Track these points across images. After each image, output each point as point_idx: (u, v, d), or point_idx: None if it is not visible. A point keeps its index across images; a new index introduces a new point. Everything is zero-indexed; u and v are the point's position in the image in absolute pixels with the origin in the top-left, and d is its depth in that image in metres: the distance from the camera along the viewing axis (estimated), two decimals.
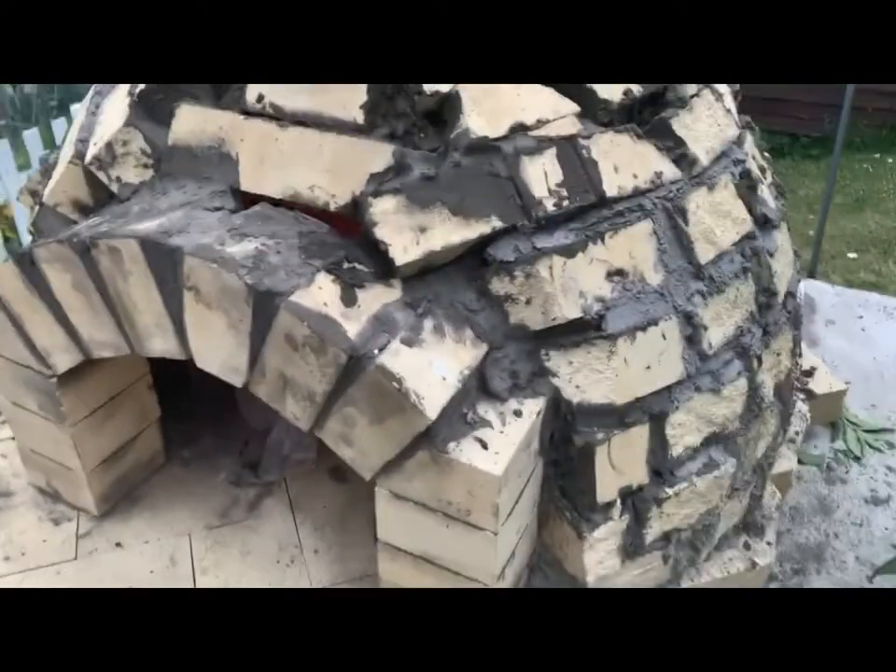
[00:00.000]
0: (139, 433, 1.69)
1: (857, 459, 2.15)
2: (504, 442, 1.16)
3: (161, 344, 1.28)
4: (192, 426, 1.89)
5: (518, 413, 1.21)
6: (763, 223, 1.53)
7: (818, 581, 1.79)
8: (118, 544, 1.61)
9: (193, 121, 1.35)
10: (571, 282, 1.26)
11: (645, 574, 1.48)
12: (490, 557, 1.20)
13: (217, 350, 1.22)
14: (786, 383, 1.64)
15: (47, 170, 1.64)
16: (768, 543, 1.66)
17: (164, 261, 1.18)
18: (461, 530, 1.20)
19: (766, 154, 1.81)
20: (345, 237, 1.26)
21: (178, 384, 1.87)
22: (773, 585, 1.78)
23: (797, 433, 1.96)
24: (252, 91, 1.34)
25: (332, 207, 1.25)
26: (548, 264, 1.24)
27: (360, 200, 1.22)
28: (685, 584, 1.55)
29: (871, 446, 2.19)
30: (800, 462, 2.11)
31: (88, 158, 1.42)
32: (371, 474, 1.22)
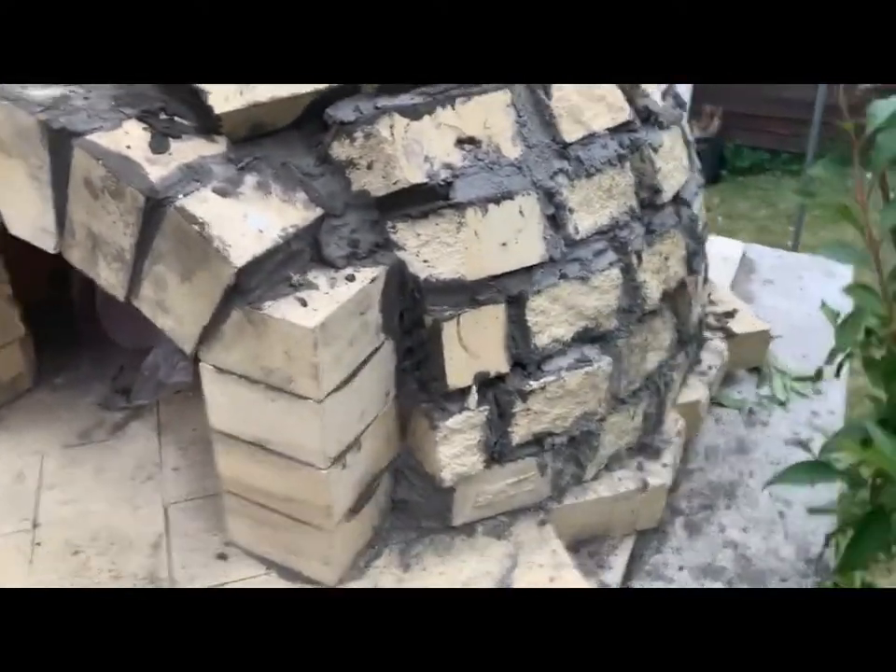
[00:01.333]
0: None
1: (781, 404, 2.05)
2: (326, 301, 1.06)
3: None
4: (72, 353, 1.79)
5: (350, 279, 1.12)
6: (646, 118, 1.46)
7: (725, 516, 1.68)
8: None
9: None
10: (415, 145, 1.17)
11: (519, 483, 1.38)
12: (316, 431, 1.09)
13: (25, 208, 1.13)
14: (679, 293, 1.55)
15: None
16: (664, 465, 1.55)
17: None
18: (286, 404, 1.10)
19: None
20: (173, 96, 1.18)
21: (59, 309, 1.78)
22: (679, 520, 1.67)
23: (710, 367, 1.87)
24: None
25: None
26: (389, 123, 1.16)
27: None
28: (569, 501, 1.44)
29: (798, 392, 2.10)
30: (720, 405, 2.01)
31: None
32: (192, 344, 1.12)
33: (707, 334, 1.97)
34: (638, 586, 1.51)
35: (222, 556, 1.33)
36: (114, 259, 1.10)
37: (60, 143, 1.04)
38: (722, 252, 2.67)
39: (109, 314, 1.68)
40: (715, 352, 1.92)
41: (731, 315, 2.08)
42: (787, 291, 2.60)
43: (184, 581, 1.28)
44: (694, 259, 1.61)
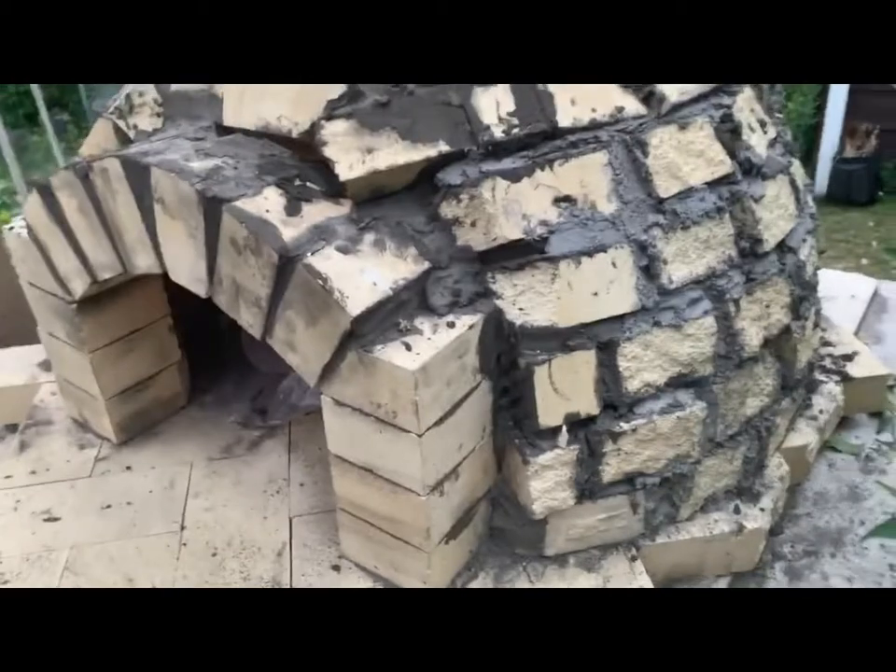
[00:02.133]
0: (158, 372, 1.84)
1: None
2: (428, 346, 1.19)
3: (145, 260, 1.42)
4: (217, 373, 2.03)
5: (451, 325, 1.25)
6: (749, 170, 1.49)
7: (829, 565, 1.66)
8: (128, 468, 1.76)
9: None
10: (514, 204, 1.29)
11: (610, 520, 1.45)
12: (416, 461, 1.22)
13: (184, 260, 1.34)
14: (783, 339, 1.57)
15: None
16: (762, 509, 1.56)
17: (140, 177, 1.32)
18: (391, 435, 1.24)
19: (780, 114, 1.76)
20: (305, 161, 1.36)
21: (209, 334, 2.02)
22: (779, 564, 1.67)
23: (821, 411, 1.84)
24: None
25: (295, 134, 1.35)
26: (491, 186, 1.28)
27: (315, 123, 1.31)
28: (661, 540, 1.50)
29: None
30: (834, 449, 1.98)
31: (110, 109, 1.61)
32: (315, 379, 1.28)
33: (822, 377, 1.94)
34: None
35: (336, 567, 1.49)
36: (252, 304, 1.28)
37: (212, 208, 1.24)
38: (851, 289, 2.60)
39: (251, 342, 1.90)
40: (828, 396, 1.89)
41: (850, 357, 2.03)
42: None
43: (300, 584, 1.44)
44: (801, 304, 1.61)
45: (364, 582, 1.45)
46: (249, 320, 1.31)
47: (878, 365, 2.03)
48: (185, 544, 1.55)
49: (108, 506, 1.65)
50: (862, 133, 6.76)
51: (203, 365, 2.00)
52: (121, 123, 1.60)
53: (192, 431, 1.87)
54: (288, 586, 1.44)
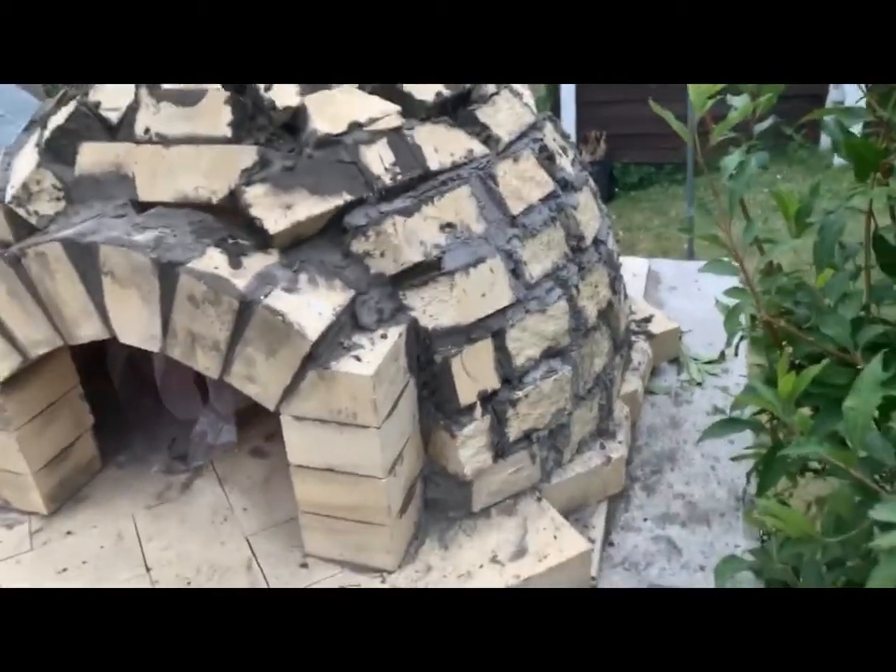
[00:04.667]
0: (76, 439, 1.93)
1: (699, 385, 2.56)
2: (373, 355, 1.49)
3: (89, 329, 1.56)
4: (123, 435, 2.13)
5: (384, 336, 1.55)
6: (565, 186, 1.95)
7: (671, 476, 2.16)
8: (68, 532, 1.83)
9: (95, 154, 1.67)
10: (412, 235, 1.62)
11: (518, 472, 1.82)
12: (377, 450, 1.51)
13: (136, 323, 1.51)
14: (609, 310, 2.04)
15: None
16: (619, 442, 2.02)
17: (83, 256, 1.48)
18: (352, 433, 1.51)
19: (571, 139, 2.25)
20: (226, 223, 1.59)
21: (108, 399, 2.12)
22: (637, 484, 2.14)
23: (639, 363, 2.36)
24: (140, 125, 1.67)
25: (214, 201, 1.58)
26: (392, 222, 1.60)
27: (236, 190, 1.55)
28: (555, 481, 1.89)
29: (710, 373, 2.62)
30: (652, 392, 2.51)
31: (7, 198, 1.71)
32: (275, 403, 1.52)
33: (633, 338, 2.47)
34: (615, 539, 1.97)
35: (304, 565, 1.71)
36: (210, 349, 1.50)
37: (167, 272, 1.44)
38: (632, 269, 3.21)
39: (167, 394, 2.04)
40: (641, 351, 2.42)
41: (648, 320, 2.59)
42: (688, 294, 3.14)
43: (278, 585, 1.65)
44: (615, 282, 2.10)
45: (333, 570, 1.69)
46: (206, 364, 1.52)
47: (669, 322, 2.61)
48: (157, 582, 1.69)
49: (64, 569, 1.73)
50: (593, 139, 7.87)
51: (106, 429, 2.09)
52: (21, 210, 1.71)
53: (119, 488, 1.98)
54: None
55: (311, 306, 1.48)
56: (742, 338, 1.88)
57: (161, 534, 1.82)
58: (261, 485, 1.96)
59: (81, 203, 1.68)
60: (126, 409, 2.18)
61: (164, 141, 1.64)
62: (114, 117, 1.71)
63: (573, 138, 7.29)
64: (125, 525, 1.85)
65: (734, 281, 2.09)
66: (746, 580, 1.60)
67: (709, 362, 2.67)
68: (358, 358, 1.48)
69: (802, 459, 1.77)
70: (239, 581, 1.68)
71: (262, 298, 1.44)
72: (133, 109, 1.69)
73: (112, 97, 1.73)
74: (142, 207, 1.63)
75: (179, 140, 1.64)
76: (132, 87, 1.71)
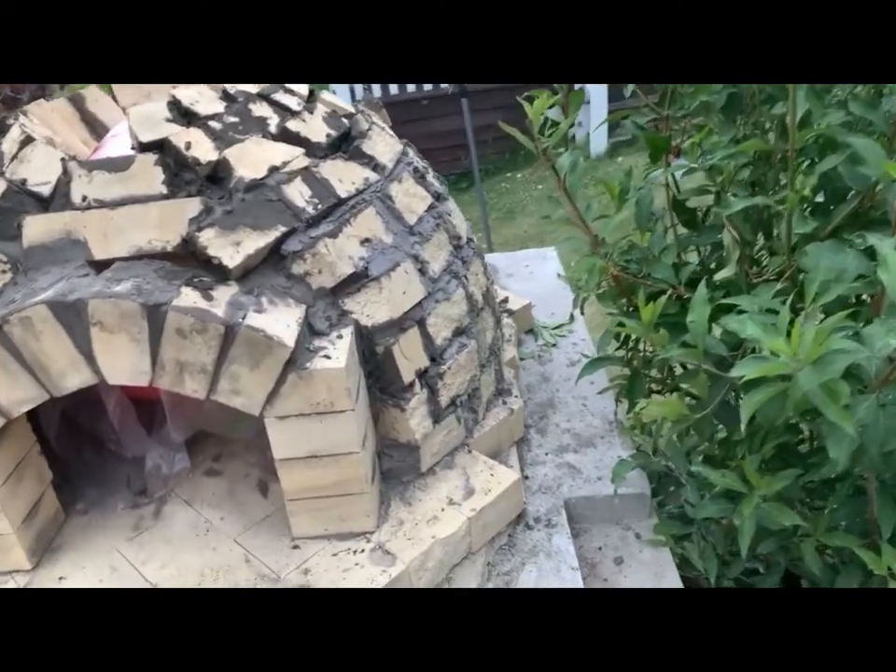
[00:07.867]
0: (42, 493, 2.04)
1: (554, 346, 3.11)
2: (339, 352, 1.81)
3: (76, 379, 1.74)
4: (73, 485, 2.25)
5: (340, 337, 1.88)
6: (438, 197, 2.37)
7: (555, 418, 2.67)
8: (61, 578, 1.96)
9: (40, 225, 1.83)
10: (341, 252, 1.96)
11: (450, 433, 2.21)
12: (353, 429, 1.84)
13: (125, 363, 1.72)
14: (488, 293, 2.50)
15: None
16: (516, 396, 2.48)
17: (69, 313, 1.66)
18: (331, 419, 1.82)
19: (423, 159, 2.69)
20: (184, 266, 1.84)
21: (47, 455, 2.23)
22: (532, 430, 2.61)
23: (510, 336, 2.85)
24: (76, 194, 1.86)
25: (169, 249, 1.82)
26: (324, 244, 1.93)
27: (189, 237, 1.81)
28: (477, 435, 2.31)
29: (559, 335, 3.17)
30: (522, 358, 3.01)
31: None
32: (260, 408, 1.80)
33: (500, 315, 2.95)
34: (528, 473, 2.42)
35: (296, 547, 1.99)
36: (198, 372, 1.74)
37: (154, 313, 1.67)
38: None
39: (122, 434, 2.19)
40: (508, 325, 2.91)
41: (506, 300, 3.10)
42: (523, 278, 3.70)
43: (279, 568, 1.92)
44: (486, 270, 2.56)
45: (322, 543, 1.98)
46: (194, 387, 1.76)
47: (522, 300, 3.13)
48: None
49: None
50: None
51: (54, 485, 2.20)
52: None
53: (91, 530, 2.11)
54: (271, 573, 1.91)
55: (279, 321, 1.78)
56: (585, 299, 2.41)
57: (153, 556, 2.00)
58: (227, 497, 2.19)
59: (34, 271, 1.83)
60: (66, 462, 2.29)
61: (106, 205, 1.85)
62: (45, 190, 1.88)
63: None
64: (114, 558, 2.00)
65: (556, 266, 2.63)
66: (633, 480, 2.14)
67: (557, 326, 3.23)
68: (328, 356, 1.80)
69: (652, 379, 2.33)
70: (242, 574, 1.92)
71: (241, 320, 1.72)
72: (64, 182, 1.88)
73: (36, 173, 1.90)
74: (99, 266, 1.83)
75: (118, 203, 1.85)
76: (56, 162, 1.89)
